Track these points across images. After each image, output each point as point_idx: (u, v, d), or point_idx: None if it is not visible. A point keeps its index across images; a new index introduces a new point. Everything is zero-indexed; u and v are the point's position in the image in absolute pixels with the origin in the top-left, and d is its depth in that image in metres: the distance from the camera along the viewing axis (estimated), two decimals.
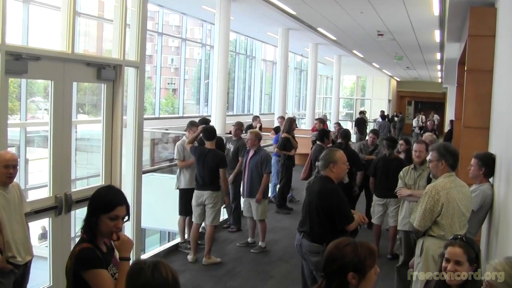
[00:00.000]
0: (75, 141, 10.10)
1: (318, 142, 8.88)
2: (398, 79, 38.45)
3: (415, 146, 6.22)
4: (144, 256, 6.54)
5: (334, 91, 27.13)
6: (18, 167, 4.05)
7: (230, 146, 8.53)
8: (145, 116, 6.44)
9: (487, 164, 4.48)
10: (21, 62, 4.21)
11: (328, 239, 2.43)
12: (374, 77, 34.68)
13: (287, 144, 9.81)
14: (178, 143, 7.52)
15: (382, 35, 16.10)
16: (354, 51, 22.81)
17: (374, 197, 7.39)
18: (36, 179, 10.12)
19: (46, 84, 8.75)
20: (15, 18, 9.52)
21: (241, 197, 7.92)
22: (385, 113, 25.61)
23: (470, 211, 4.23)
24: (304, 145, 11.60)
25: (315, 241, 4.33)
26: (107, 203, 2.75)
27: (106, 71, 5.20)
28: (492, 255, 4.20)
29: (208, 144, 6.75)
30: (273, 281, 6.42)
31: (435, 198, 4.06)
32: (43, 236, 8.82)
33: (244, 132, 9.38)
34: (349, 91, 37.90)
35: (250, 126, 12.61)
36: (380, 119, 23.61)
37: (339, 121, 17.62)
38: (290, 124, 10.00)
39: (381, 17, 13.55)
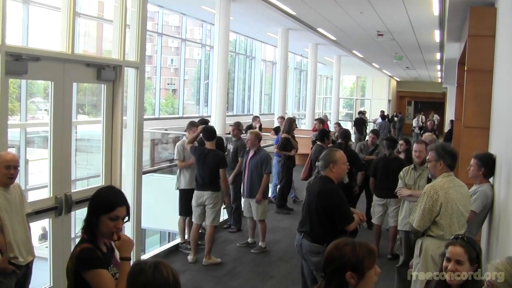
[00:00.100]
0: (75, 142, 10.09)
1: (318, 142, 8.88)
2: (398, 79, 38.45)
3: (415, 146, 6.23)
4: (144, 257, 6.54)
5: (334, 91, 27.13)
6: (19, 168, 4.05)
7: (230, 147, 8.54)
8: (145, 117, 6.44)
9: (487, 164, 4.49)
10: (21, 62, 4.21)
11: (328, 239, 2.44)
12: (374, 77, 34.68)
13: (287, 144, 9.81)
14: (178, 143, 7.52)
15: (382, 35, 16.09)
16: (354, 51, 22.81)
17: (374, 197, 7.39)
18: (36, 179, 10.12)
19: (46, 85, 8.75)
20: (15, 19, 9.52)
21: (242, 198, 7.92)
22: (385, 113, 25.62)
23: (469, 211, 4.24)
24: (304, 145, 11.60)
25: (315, 241, 4.33)
26: (107, 204, 2.75)
27: (106, 72, 5.20)
28: (493, 255, 4.20)
29: (208, 145, 6.75)
30: (273, 281, 6.42)
31: (433, 198, 4.06)
32: (43, 237, 8.82)
33: (244, 132, 9.37)
34: (349, 91, 37.90)
35: (250, 126, 12.62)
36: (380, 119, 23.61)
37: (339, 121, 17.64)
38: (290, 124, 10.00)
39: (381, 17, 13.55)
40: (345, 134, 8.68)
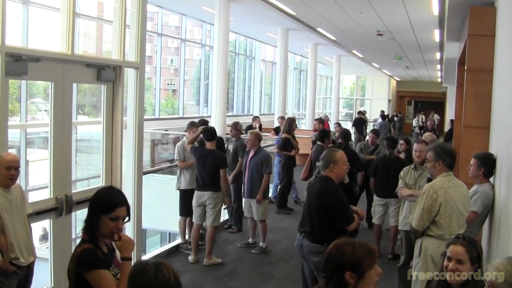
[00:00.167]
0: (75, 142, 10.08)
1: (318, 142, 8.88)
2: (398, 79, 38.45)
3: (415, 146, 6.23)
4: (145, 257, 6.54)
5: (334, 91, 27.13)
6: (20, 169, 4.05)
7: (230, 147, 8.54)
8: (145, 117, 6.44)
9: (486, 164, 4.48)
10: (21, 63, 4.21)
11: (329, 239, 2.44)
12: (374, 77, 34.68)
13: (287, 144, 9.80)
14: (178, 143, 7.52)
15: (381, 35, 16.09)
16: (354, 51, 22.82)
17: (375, 197, 7.38)
18: (36, 180, 10.12)
19: (46, 85, 8.74)
20: (14, 20, 9.52)
21: (243, 198, 7.92)
22: (385, 113, 25.62)
23: (468, 211, 4.23)
24: (304, 145, 11.60)
25: (316, 241, 4.33)
26: (107, 204, 2.75)
27: (106, 72, 5.20)
28: (493, 255, 4.19)
29: (209, 145, 6.75)
30: (274, 281, 6.42)
31: (433, 198, 4.06)
32: (44, 237, 8.82)
33: (244, 132, 9.37)
34: (349, 91, 37.90)
35: (250, 127, 12.62)
36: (380, 119, 23.62)
37: (339, 121, 17.63)
38: (290, 124, 9.99)
39: (381, 17, 13.55)
40: (345, 134, 8.68)
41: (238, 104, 22.07)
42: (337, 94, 26.97)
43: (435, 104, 35.70)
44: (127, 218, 2.81)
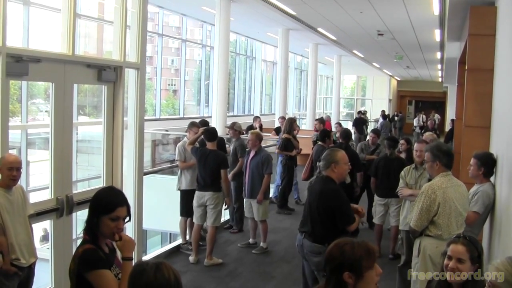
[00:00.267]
0: (76, 143, 10.09)
1: (319, 143, 8.88)
2: (399, 79, 38.43)
3: (416, 145, 6.23)
4: (145, 258, 6.54)
5: (334, 91, 27.12)
6: (21, 170, 4.06)
7: (231, 148, 8.55)
8: (145, 118, 6.44)
9: (486, 163, 4.48)
10: (22, 64, 4.22)
11: (330, 239, 2.44)
12: (374, 76, 34.66)
13: (288, 144, 9.80)
14: (179, 144, 7.52)
15: (382, 34, 16.09)
16: (354, 51, 22.81)
17: (376, 197, 7.38)
18: (37, 181, 10.12)
19: (46, 86, 8.76)
20: (15, 20, 9.52)
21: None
22: (386, 113, 25.61)
23: (467, 210, 4.23)
24: (305, 146, 11.59)
25: (317, 241, 4.33)
26: (107, 204, 2.75)
27: (107, 73, 5.20)
28: (494, 255, 4.19)
29: (210, 145, 6.75)
30: (274, 281, 6.42)
31: (431, 198, 4.06)
32: (44, 238, 8.83)
33: (244, 132, 9.37)
34: (349, 91, 37.90)
35: (251, 127, 12.61)
36: (381, 119, 23.61)
37: (340, 121, 17.63)
38: (291, 124, 9.99)
39: (381, 16, 13.55)
40: (346, 134, 8.67)
41: (238, 104, 22.08)
42: (338, 94, 26.96)
43: (435, 103, 35.68)
44: (127, 218, 2.82)
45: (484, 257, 2.97)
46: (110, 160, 5.39)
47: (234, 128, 8.42)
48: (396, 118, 28.87)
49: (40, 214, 4.54)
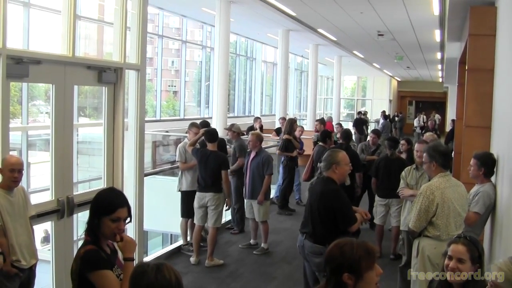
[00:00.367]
0: (77, 144, 10.08)
1: (320, 143, 8.87)
2: (399, 79, 38.43)
3: (416, 146, 6.23)
4: (146, 259, 6.54)
5: (335, 92, 27.11)
6: (23, 171, 4.06)
7: (231, 149, 8.56)
8: (146, 119, 6.44)
9: (486, 164, 4.47)
10: (22, 66, 4.22)
11: (331, 240, 2.43)
12: (374, 77, 34.67)
13: (288, 145, 9.81)
14: (180, 145, 7.52)
15: (382, 35, 16.09)
16: (355, 52, 22.81)
17: (376, 198, 7.38)
18: (38, 182, 10.12)
19: (47, 88, 8.75)
20: (15, 22, 9.53)
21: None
22: (386, 113, 25.61)
23: (466, 211, 4.23)
24: (306, 146, 11.59)
25: (318, 242, 4.33)
26: (108, 206, 2.76)
27: (107, 74, 5.20)
28: (496, 255, 4.18)
29: (210, 146, 6.76)
30: (275, 282, 6.42)
31: (429, 198, 4.06)
32: (45, 240, 8.82)
33: (244, 133, 9.38)
34: (350, 91, 37.90)
35: (251, 128, 12.62)
36: (382, 120, 23.62)
37: (341, 122, 17.62)
38: (291, 125, 9.99)
39: (381, 17, 13.55)
40: (346, 134, 8.67)
41: (239, 105, 22.08)
42: (338, 95, 26.96)
43: (436, 104, 35.67)
44: (128, 219, 2.82)
45: (485, 257, 2.97)
46: (110, 161, 5.39)
47: (233, 130, 8.44)
48: (396, 118, 28.87)
49: (41, 215, 4.55)
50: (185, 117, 16.88)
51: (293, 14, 14.14)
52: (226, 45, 13.42)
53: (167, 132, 14.71)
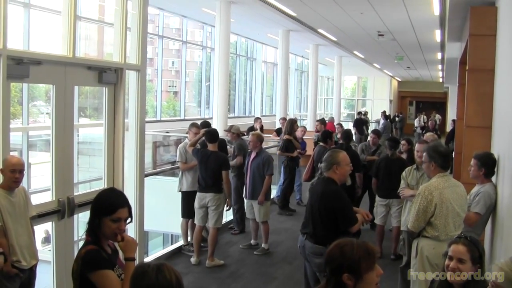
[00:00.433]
0: (77, 145, 10.09)
1: (320, 143, 8.87)
2: (399, 79, 38.42)
3: (417, 146, 6.23)
4: (147, 259, 6.54)
5: (335, 92, 27.11)
6: (24, 172, 4.06)
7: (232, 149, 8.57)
8: (146, 119, 6.45)
9: (487, 164, 4.47)
10: (23, 66, 4.22)
11: (331, 240, 2.43)
12: (375, 77, 34.65)
13: (289, 145, 9.81)
14: (180, 145, 7.52)
15: (382, 35, 16.09)
16: (355, 52, 22.81)
17: (377, 198, 7.38)
18: (38, 183, 10.13)
19: (47, 88, 8.76)
20: (16, 23, 9.53)
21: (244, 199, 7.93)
22: (387, 114, 25.60)
23: (466, 211, 4.22)
24: (307, 146, 11.59)
25: (318, 242, 4.32)
26: (108, 206, 2.76)
27: (107, 75, 5.21)
28: (497, 256, 4.18)
29: (211, 147, 6.76)
30: (276, 282, 6.41)
31: (428, 199, 4.06)
32: (46, 240, 8.82)
33: (245, 134, 9.38)
34: (350, 92, 37.89)
35: (252, 128, 12.63)
36: (382, 120, 23.61)
37: (341, 122, 17.62)
38: (292, 125, 10.00)
39: (381, 17, 13.55)
40: (347, 134, 8.66)
41: (239, 105, 22.08)
42: (339, 95, 26.96)
43: (436, 104, 35.64)
44: (129, 219, 2.82)
45: (486, 257, 2.97)
46: (111, 162, 5.39)
47: (232, 131, 8.47)
48: (396, 118, 28.87)
49: (42, 216, 4.55)
50: (186, 118, 16.87)
51: (293, 14, 14.14)
52: (226, 45, 13.42)
53: (167, 132, 14.72)
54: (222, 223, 7.17)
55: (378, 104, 33.17)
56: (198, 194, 6.81)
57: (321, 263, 4.19)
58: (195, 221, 6.90)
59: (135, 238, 5.31)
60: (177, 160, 7.52)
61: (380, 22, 14.20)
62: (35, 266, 4.23)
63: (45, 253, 6.47)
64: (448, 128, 20.08)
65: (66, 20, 4.71)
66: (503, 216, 4.15)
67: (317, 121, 13.71)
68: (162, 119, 16.36)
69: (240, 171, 8.14)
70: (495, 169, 4.52)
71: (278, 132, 12.96)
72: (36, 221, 4.42)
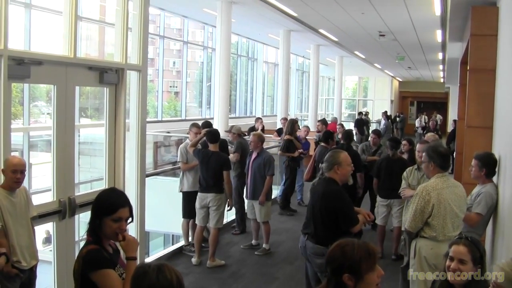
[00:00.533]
0: (78, 145, 10.10)
1: (322, 144, 8.86)
2: (400, 80, 38.39)
3: (418, 146, 6.23)
4: (148, 259, 6.55)
5: (336, 92, 27.11)
6: (25, 172, 4.06)
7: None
8: (147, 119, 6.45)
9: (487, 164, 4.46)
10: (24, 67, 4.22)
11: (333, 241, 2.43)
12: (376, 77, 34.62)
13: (290, 146, 9.81)
14: (181, 145, 7.52)
15: (383, 35, 16.07)
16: (356, 52, 22.80)
17: (378, 198, 7.37)
18: (39, 183, 10.13)
19: (48, 89, 8.77)
20: (17, 23, 9.54)
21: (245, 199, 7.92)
22: (388, 114, 25.59)
23: (464, 212, 4.21)
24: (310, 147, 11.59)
25: (320, 243, 4.32)
26: (109, 206, 2.76)
27: (108, 75, 5.21)
28: (498, 256, 4.18)
29: (212, 147, 6.76)
30: (277, 283, 6.41)
31: (425, 199, 4.05)
32: (47, 240, 8.82)
33: (246, 134, 9.39)
34: (351, 92, 37.87)
35: (253, 128, 12.62)
36: (384, 120, 23.60)
37: (342, 122, 17.61)
38: (292, 125, 9.99)
39: (383, 17, 13.54)
40: (347, 135, 8.65)
41: (240, 105, 22.08)
42: (340, 95, 26.95)
43: (437, 104, 35.65)
44: (130, 219, 2.82)
45: (487, 258, 2.97)
46: (112, 162, 5.39)
47: (233, 132, 8.48)
48: (397, 119, 28.86)
49: (43, 216, 4.55)
50: (187, 118, 16.88)
51: (294, 14, 14.14)
52: (227, 45, 13.42)
53: (168, 132, 14.73)
54: (223, 223, 7.18)
55: (379, 104, 33.15)
56: (199, 194, 6.81)
57: (322, 264, 4.17)
58: (196, 222, 6.90)
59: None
60: (178, 160, 7.52)
61: (381, 22, 14.19)
62: (35, 266, 4.23)
63: (46, 253, 6.47)
64: (449, 128, 20.08)
65: (67, 21, 4.71)
66: (504, 216, 4.15)
67: (319, 121, 13.70)
68: (163, 119, 16.38)
69: (241, 171, 8.14)
70: (496, 169, 4.52)
71: (279, 132, 12.95)
72: (37, 221, 4.42)
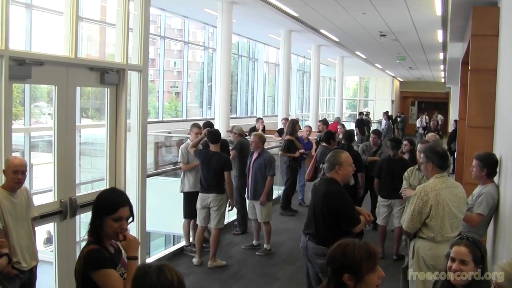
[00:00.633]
0: (79, 146, 10.10)
1: (323, 144, 8.86)
2: (401, 80, 38.37)
3: (419, 146, 6.23)
4: (149, 260, 6.54)
5: (337, 93, 27.12)
6: (27, 173, 4.06)
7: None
8: (148, 120, 6.45)
9: (488, 164, 4.45)
10: (25, 67, 4.23)
11: (334, 241, 2.43)
12: (377, 77, 34.61)
13: (290, 146, 9.80)
14: (182, 146, 7.52)
15: (384, 35, 16.06)
16: (357, 52, 22.79)
17: (379, 198, 7.37)
18: (40, 184, 10.14)
19: (49, 89, 8.78)
20: (18, 24, 9.55)
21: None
22: (389, 114, 25.57)
23: (464, 212, 4.20)
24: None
25: (321, 243, 4.31)
26: (110, 205, 2.77)
27: (109, 75, 5.21)
28: (499, 256, 4.18)
29: (213, 147, 6.76)
30: (278, 283, 6.41)
31: (423, 200, 4.04)
32: (48, 241, 8.83)
33: (247, 134, 9.39)
34: (352, 92, 37.87)
35: (254, 128, 12.62)
36: (385, 120, 23.58)
37: (343, 122, 17.60)
38: (293, 126, 9.99)
39: (384, 17, 13.54)
40: (348, 135, 8.64)
41: (241, 106, 22.09)
42: (341, 95, 26.96)
43: (438, 104, 35.64)
44: (131, 219, 2.83)
45: (488, 258, 2.97)
46: (113, 162, 5.39)
47: (234, 132, 8.49)
48: (398, 119, 28.85)
49: (44, 216, 4.55)
50: (188, 118, 16.89)
51: (295, 14, 14.13)
52: (228, 46, 13.43)
53: (169, 133, 14.73)
54: (224, 223, 7.17)
55: (380, 105, 33.15)
56: (200, 194, 6.81)
57: (323, 264, 4.15)
58: (197, 222, 6.90)
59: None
60: (179, 160, 7.53)
61: (382, 22, 14.19)
62: (35, 267, 4.22)
63: (48, 253, 6.48)
64: (450, 128, 20.09)
65: (68, 21, 4.72)
66: (505, 216, 4.14)
67: (320, 121, 13.71)
68: (164, 119, 16.38)
69: (242, 172, 8.14)
70: (497, 170, 4.51)
71: (280, 132, 12.95)
72: (38, 222, 4.42)
